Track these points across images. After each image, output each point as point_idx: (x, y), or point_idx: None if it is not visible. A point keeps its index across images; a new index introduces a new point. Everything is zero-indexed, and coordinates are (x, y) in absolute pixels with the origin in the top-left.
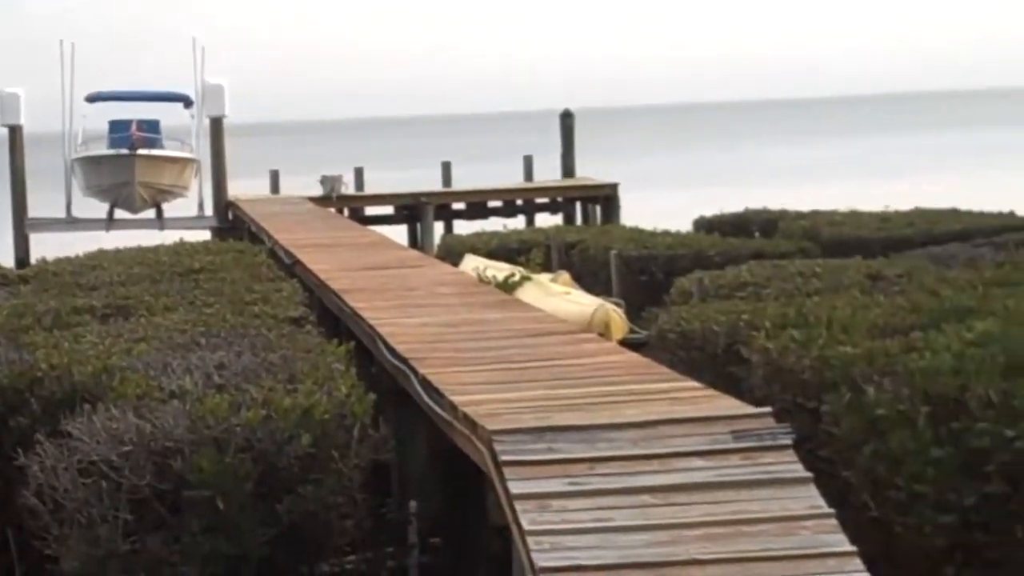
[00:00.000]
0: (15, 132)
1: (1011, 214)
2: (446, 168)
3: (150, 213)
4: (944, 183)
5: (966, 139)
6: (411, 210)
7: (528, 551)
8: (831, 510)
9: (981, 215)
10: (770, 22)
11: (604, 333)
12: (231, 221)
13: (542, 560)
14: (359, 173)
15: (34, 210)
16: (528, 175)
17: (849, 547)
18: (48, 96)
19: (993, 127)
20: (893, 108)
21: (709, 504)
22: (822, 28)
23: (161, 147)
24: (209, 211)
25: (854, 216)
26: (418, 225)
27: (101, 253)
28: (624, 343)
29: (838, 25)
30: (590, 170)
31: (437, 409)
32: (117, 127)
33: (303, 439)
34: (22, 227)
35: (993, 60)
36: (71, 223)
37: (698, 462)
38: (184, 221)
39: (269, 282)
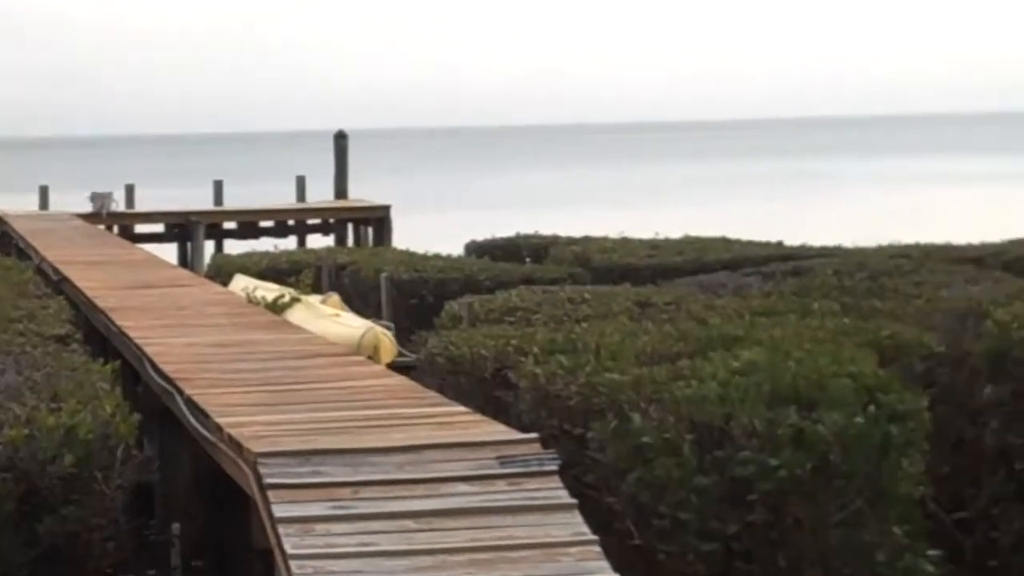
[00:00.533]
0: None
1: (779, 244)
2: (218, 187)
3: None
4: (715, 212)
5: (738, 169)
6: (181, 229)
7: (291, 575)
8: (595, 537)
9: (750, 244)
10: (588, 44)
11: (373, 356)
12: None
13: None
14: (130, 190)
15: None
16: (301, 196)
17: (612, 574)
18: None
19: (765, 157)
20: (686, 136)
21: (474, 530)
22: (634, 54)
23: None
24: None
25: (624, 243)
26: (188, 244)
27: None
28: (393, 366)
29: (650, 51)
30: (366, 191)
31: (202, 430)
32: None
33: (66, 459)
34: None
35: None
36: None
37: (464, 487)
38: None
39: (36, 299)
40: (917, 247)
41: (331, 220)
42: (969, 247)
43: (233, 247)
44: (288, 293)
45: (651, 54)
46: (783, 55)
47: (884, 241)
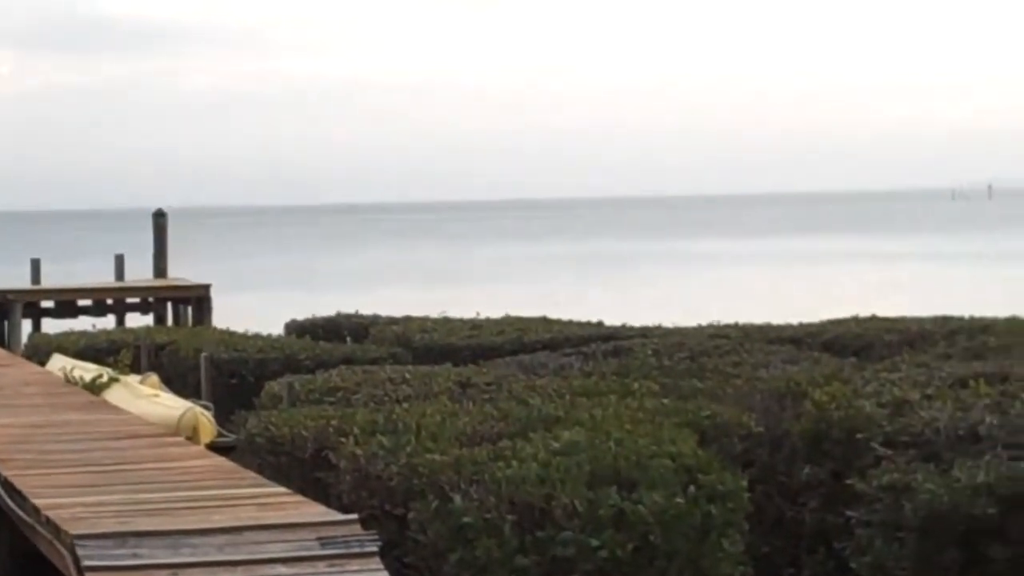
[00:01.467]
0: None
1: (599, 324)
2: (35, 265)
3: None
4: (535, 292)
5: (563, 249)
6: None
7: None
8: None
9: (570, 324)
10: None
11: (192, 437)
12: None
13: None
14: None
15: None
16: (120, 274)
17: None
18: None
19: (589, 237)
20: (506, 214)
21: None
22: (461, 133)
23: None
24: None
25: (445, 323)
26: (5, 323)
27: None
28: (212, 447)
29: (470, 133)
30: (188, 271)
31: (20, 512)
32: None
33: None
34: None
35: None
36: None
37: (283, 569)
38: None
39: None
40: (736, 327)
41: (150, 299)
42: (788, 327)
43: (51, 326)
44: (106, 373)
45: (471, 136)
46: (591, 138)
47: (703, 321)
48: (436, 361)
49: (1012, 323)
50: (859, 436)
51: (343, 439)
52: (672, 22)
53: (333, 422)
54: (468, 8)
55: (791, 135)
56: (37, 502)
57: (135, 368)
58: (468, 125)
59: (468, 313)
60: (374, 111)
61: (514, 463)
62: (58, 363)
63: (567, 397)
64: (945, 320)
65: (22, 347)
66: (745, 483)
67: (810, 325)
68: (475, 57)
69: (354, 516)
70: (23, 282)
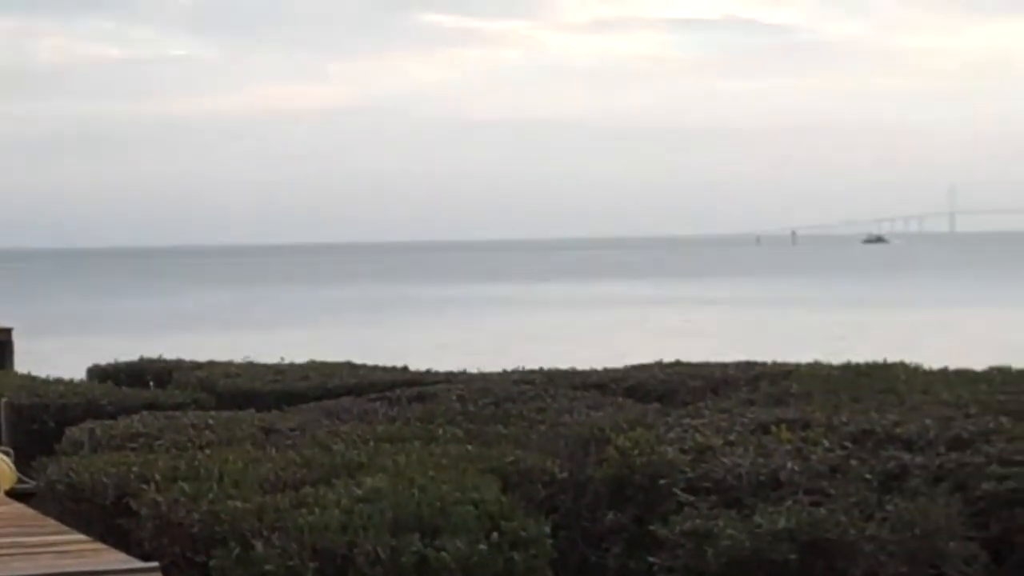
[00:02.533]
0: None
1: (404, 369)
2: None
3: None
4: (339, 336)
5: (364, 293)
6: None
7: None
8: None
9: (375, 369)
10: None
11: None
12: None
13: None
14: None
15: None
16: None
17: None
18: None
19: (394, 282)
20: (304, 259)
21: None
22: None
23: None
24: None
25: (249, 368)
26: None
27: None
28: (12, 494)
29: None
30: None
31: None
32: None
33: None
34: None
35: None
36: None
37: None
38: None
39: None
40: (541, 372)
41: None
42: (592, 372)
43: None
44: None
45: (271, 179)
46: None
47: (508, 366)
48: (240, 406)
49: (814, 368)
50: (662, 482)
51: (144, 486)
52: (487, 63)
53: (134, 468)
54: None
55: (605, 183)
56: None
57: None
58: (244, 166)
59: (272, 358)
60: (191, 148)
61: (317, 510)
62: None
63: (371, 443)
64: (748, 365)
65: None
66: (548, 529)
67: (614, 370)
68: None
69: (155, 564)
70: None
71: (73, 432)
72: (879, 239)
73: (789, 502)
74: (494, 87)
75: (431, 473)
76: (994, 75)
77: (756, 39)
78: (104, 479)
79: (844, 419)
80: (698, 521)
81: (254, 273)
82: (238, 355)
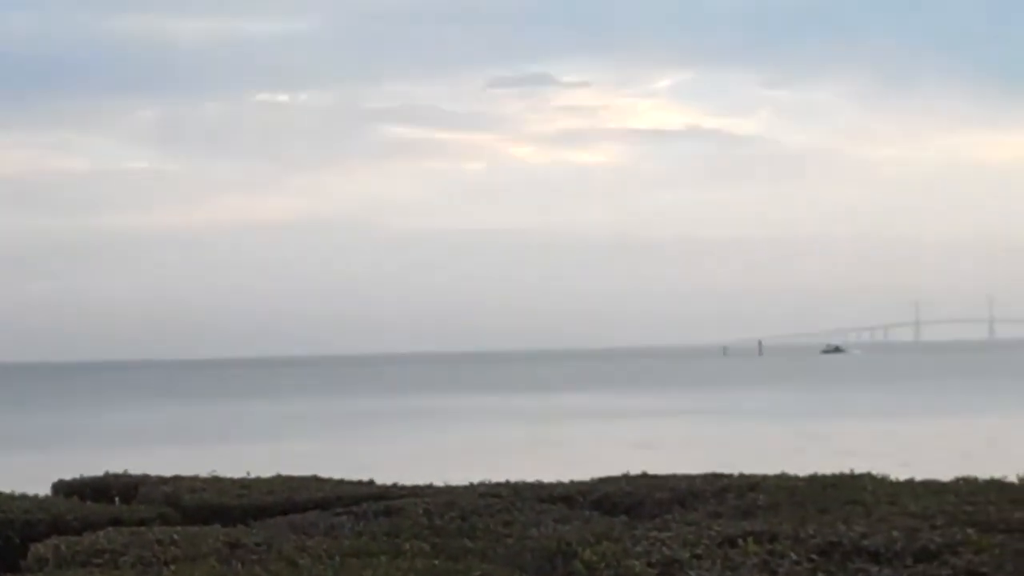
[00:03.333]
0: None
1: (371, 482)
2: None
3: None
4: (305, 448)
5: (332, 406)
6: None
7: None
8: None
9: (341, 483)
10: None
11: None
12: None
13: None
14: None
15: None
16: None
17: None
18: None
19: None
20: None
21: None
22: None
23: None
24: None
25: (215, 482)
26: None
27: None
28: None
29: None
30: None
31: None
32: None
33: None
34: None
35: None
36: None
37: None
38: None
39: None
40: (507, 485)
41: None
42: (559, 485)
43: None
44: None
45: (197, 291)
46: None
47: (474, 479)
48: (206, 521)
49: (781, 480)
50: None
51: None
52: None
53: None
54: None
55: (574, 295)
56: None
57: None
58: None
59: (238, 472)
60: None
61: None
62: None
63: (337, 558)
64: (715, 477)
65: None
66: None
67: (581, 483)
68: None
69: None
70: None
71: (38, 548)
72: (837, 349)
73: None
74: (456, 199)
75: None
76: (957, 187)
77: (721, 150)
78: None
79: (811, 531)
80: None
81: (215, 386)
82: (204, 469)
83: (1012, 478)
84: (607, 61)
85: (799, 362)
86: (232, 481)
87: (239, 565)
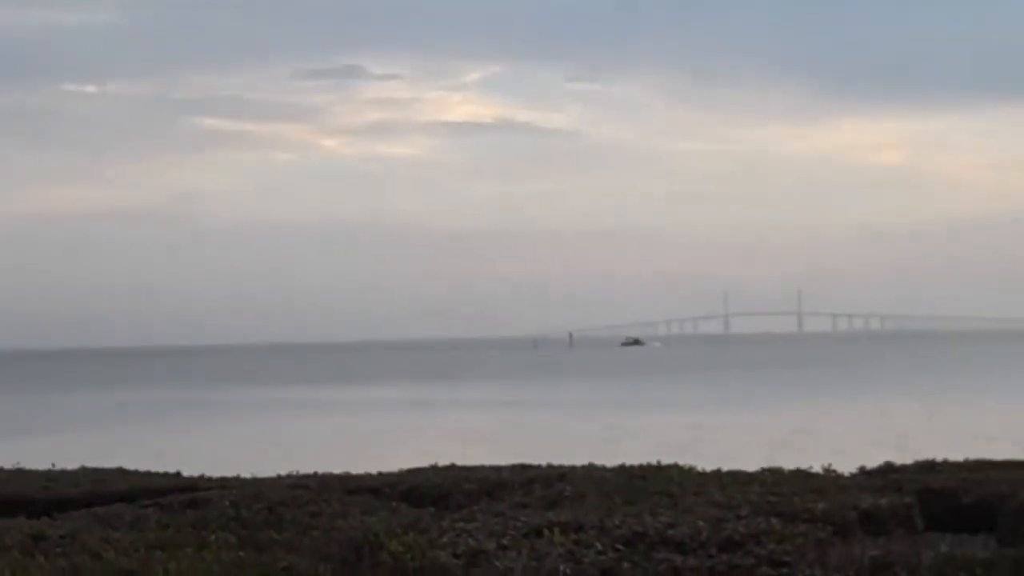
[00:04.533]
0: None
1: (177, 475)
2: None
3: None
4: (110, 441)
5: (134, 396)
6: None
7: None
8: None
9: (147, 475)
10: None
11: None
12: None
13: None
14: None
15: None
16: None
17: None
18: None
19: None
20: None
21: None
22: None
23: None
24: None
25: (20, 474)
26: None
27: None
28: None
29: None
30: None
31: None
32: None
33: None
34: None
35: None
36: None
37: None
38: None
39: None
40: (315, 477)
41: None
42: (367, 477)
43: None
44: None
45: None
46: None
47: (282, 471)
48: (10, 514)
49: (588, 471)
50: None
51: None
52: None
53: None
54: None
55: (383, 288)
56: None
57: None
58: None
59: (43, 464)
60: None
61: None
62: None
63: (142, 550)
64: (523, 468)
65: None
66: None
67: (389, 475)
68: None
69: None
70: None
71: None
72: (636, 342)
73: None
74: (266, 190)
75: None
76: (763, 180)
77: (531, 143)
78: None
79: (617, 521)
80: None
81: (17, 378)
82: (7, 461)
83: (817, 468)
84: (417, 54)
85: (603, 354)
86: (36, 473)
87: (42, 558)
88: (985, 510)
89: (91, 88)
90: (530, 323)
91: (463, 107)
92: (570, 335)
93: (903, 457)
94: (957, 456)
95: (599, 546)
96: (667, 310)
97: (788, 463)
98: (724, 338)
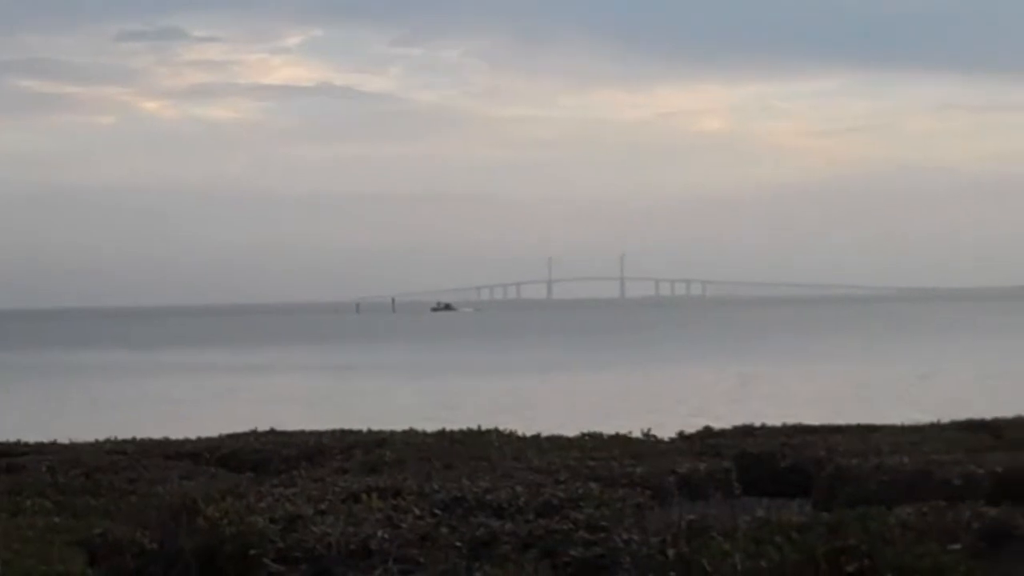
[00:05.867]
0: None
1: None
2: None
3: None
4: None
5: None
6: None
7: None
8: None
9: None
10: None
11: None
12: None
13: None
14: None
15: None
16: None
17: None
18: None
19: None
20: None
21: None
22: None
23: None
24: None
25: None
26: None
27: None
28: None
29: None
30: None
31: None
32: None
33: None
34: None
35: None
36: None
37: None
38: None
39: None
40: (134, 442)
41: None
42: (186, 442)
43: None
44: None
45: None
46: None
47: (100, 436)
48: None
49: (408, 436)
50: (252, 552)
51: None
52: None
53: None
54: None
55: (207, 250)
56: None
57: None
58: None
59: None
60: None
61: None
62: None
63: None
64: (343, 434)
65: None
66: None
67: (208, 440)
68: None
69: None
70: None
71: None
72: (447, 307)
73: (379, 570)
74: (87, 154)
75: (16, 546)
76: (588, 146)
77: (353, 107)
78: None
79: (436, 486)
80: None
81: None
82: None
83: (637, 433)
84: (238, 16)
85: (410, 321)
86: None
87: None
88: (802, 474)
89: None
90: (353, 288)
91: (284, 70)
92: (393, 300)
93: (722, 422)
94: (775, 421)
95: (417, 511)
96: (491, 275)
97: (608, 428)
98: (546, 303)
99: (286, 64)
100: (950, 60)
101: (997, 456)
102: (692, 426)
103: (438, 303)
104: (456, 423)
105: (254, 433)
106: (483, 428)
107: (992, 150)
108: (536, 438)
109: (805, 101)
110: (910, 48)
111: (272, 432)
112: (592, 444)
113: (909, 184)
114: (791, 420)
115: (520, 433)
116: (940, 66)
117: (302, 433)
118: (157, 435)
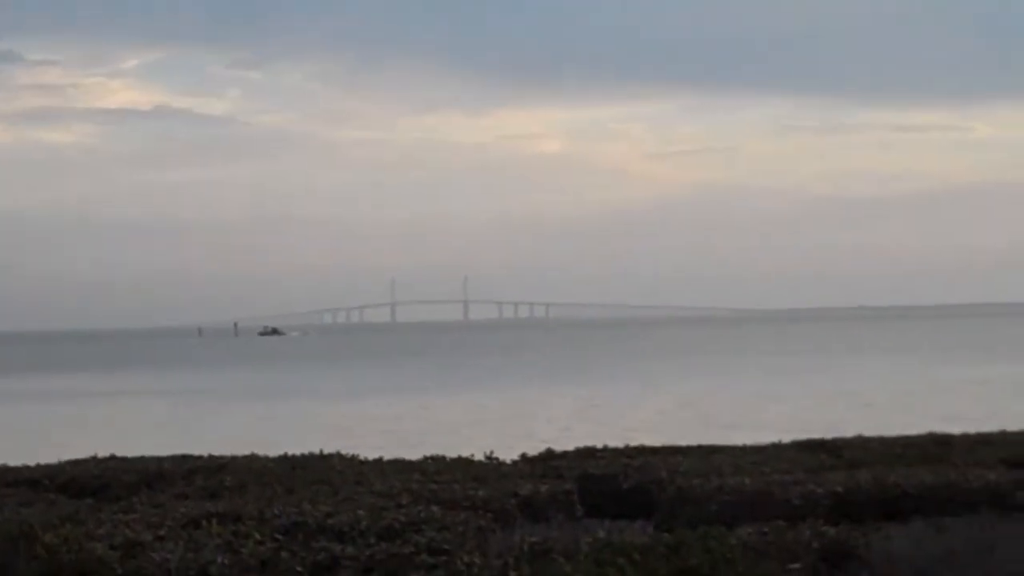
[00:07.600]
0: None
1: None
2: None
3: None
4: None
5: None
6: None
7: None
8: None
9: None
10: None
11: None
12: None
13: None
14: None
15: None
16: None
17: None
18: None
19: None
20: None
21: None
22: None
23: None
24: None
25: None
26: None
27: None
28: None
29: None
30: None
31: None
32: None
33: None
34: None
35: None
36: None
37: None
38: None
39: None
40: None
41: None
42: (25, 468)
43: None
44: None
45: None
46: None
47: None
48: None
49: (249, 461)
50: None
51: None
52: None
53: None
54: None
55: (45, 277)
56: None
57: None
58: None
59: None
60: None
61: None
62: None
63: None
64: (184, 459)
65: None
66: None
67: (48, 466)
68: None
69: None
70: None
71: None
72: (275, 331)
73: None
74: None
75: None
76: (429, 169)
77: (191, 130)
78: None
79: (276, 511)
80: None
81: None
82: None
83: (479, 456)
84: (75, 39)
85: (234, 344)
86: None
87: None
88: (644, 495)
89: None
90: (197, 312)
91: (121, 94)
92: (235, 325)
93: (564, 444)
94: (617, 443)
95: (258, 536)
96: (335, 299)
97: (451, 451)
98: (390, 326)
99: (124, 87)
100: (783, 83)
101: (837, 475)
102: (534, 448)
103: (265, 327)
104: (297, 447)
105: (94, 459)
106: (325, 452)
107: (822, 170)
108: (378, 462)
109: (642, 124)
110: (744, 71)
111: (113, 458)
112: (435, 467)
113: (745, 206)
114: (633, 442)
115: (362, 457)
116: (774, 89)
117: (143, 459)
118: None
